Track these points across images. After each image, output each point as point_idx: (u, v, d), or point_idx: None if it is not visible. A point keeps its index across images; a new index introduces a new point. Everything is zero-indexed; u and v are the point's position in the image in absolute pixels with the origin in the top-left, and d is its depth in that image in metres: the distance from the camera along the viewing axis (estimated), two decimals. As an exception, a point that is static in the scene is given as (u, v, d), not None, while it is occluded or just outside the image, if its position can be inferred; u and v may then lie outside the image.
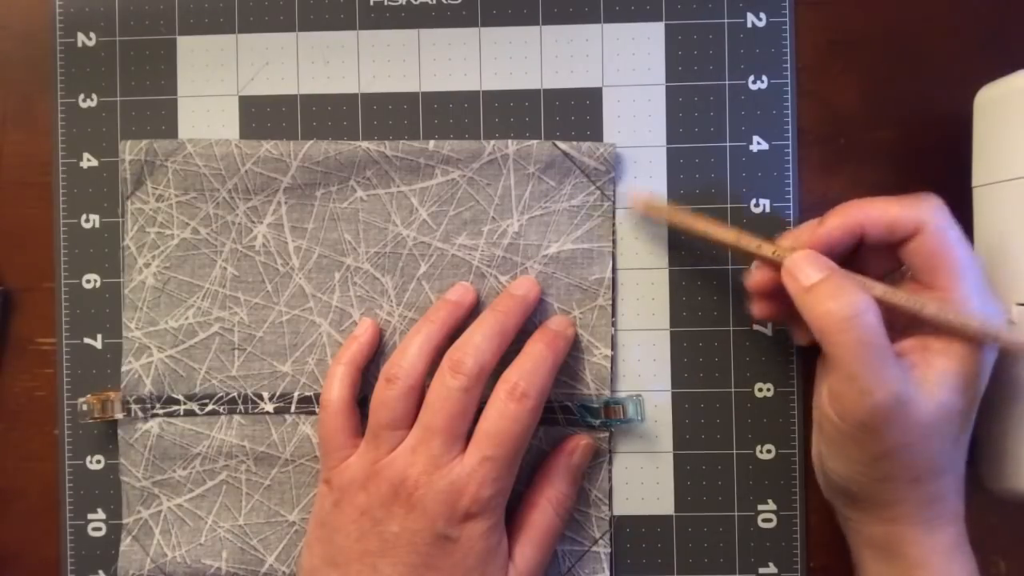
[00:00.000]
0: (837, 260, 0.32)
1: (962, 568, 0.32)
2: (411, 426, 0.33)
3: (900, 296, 0.31)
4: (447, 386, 0.33)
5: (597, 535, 0.38)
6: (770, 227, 0.38)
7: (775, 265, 0.33)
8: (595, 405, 0.37)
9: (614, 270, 0.38)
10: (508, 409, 0.33)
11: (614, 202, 0.38)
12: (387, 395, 0.33)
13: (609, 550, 0.38)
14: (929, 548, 0.31)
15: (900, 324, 0.32)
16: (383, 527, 0.32)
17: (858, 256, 0.33)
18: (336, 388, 0.35)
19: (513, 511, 0.35)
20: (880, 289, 0.31)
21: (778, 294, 0.33)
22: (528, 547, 0.34)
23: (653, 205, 0.37)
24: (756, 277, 0.34)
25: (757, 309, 0.36)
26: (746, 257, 0.36)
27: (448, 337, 0.35)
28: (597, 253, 0.37)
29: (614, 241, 0.38)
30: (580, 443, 0.37)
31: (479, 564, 0.32)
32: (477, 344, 0.33)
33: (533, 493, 0.36)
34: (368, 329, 0.37)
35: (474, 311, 0.37)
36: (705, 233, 0.35)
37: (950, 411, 0.30)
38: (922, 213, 0.31)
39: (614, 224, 0.38)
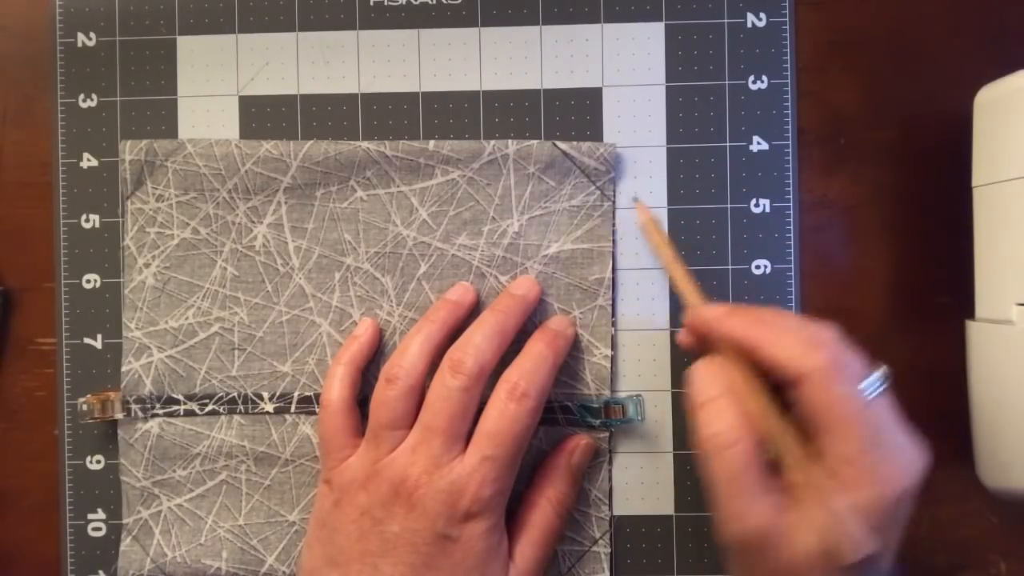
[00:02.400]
0: None
1: None
2: (411, 426, 0.33)
3: (783, 440, 0.30)
4: (447, 386, 0.33)
5: (597, 535, 0.38)
6: (770, 227, 0.38)
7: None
8: (595, 405, 0.37)
9: (614, 270, 0.38)
10: (508, 409, 0.33)
11: (614, 202, 0.38)
12: (387, 395, 0.33)
13: (609, 550, 0.38)
14: None
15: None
16: (383, 527, 0.32)
17: None
18: (336, 388, 0.35)
19: (513, 511, 0.35)
20: (770, 423, 0.30)
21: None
22: (528, 547, 0.34)
23: (651, 226, 0.37)
24: (683, 339, 0.36)
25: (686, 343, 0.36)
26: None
27: (448, 337, 0.35)
28: (597, 253, 0.37)
29: (614, 241, 0.38)
30: (580, 443, 0.37)
31: (479, 564, 0.32)
32: (477, 344, 0.33)
33: (533, 493, 0.36)
34: (368, 329, 0.37)
35: (474, 311, 0.37)
36: (667, 269, 0.36)
37: (835, 560, 0.28)
38: (808, 363, 0.28)
39: (614, 224, 0.38)
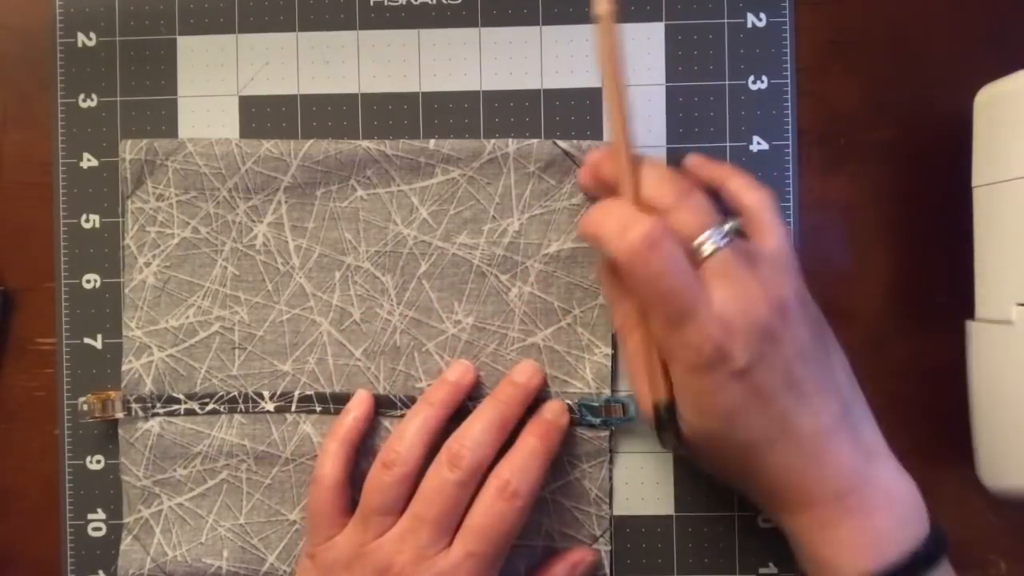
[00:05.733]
0: None
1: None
2: (402, 511, 0.33)
3: None
4: (443, 478, 0.32)
5: (597, 534, 0.38)
6: (770, 227, 0.38)
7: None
8: (596, 403, 0.37)
9: (614, 270, 0.38)
10: (496, 507, 0.32)
11: (614, 202, 0.38)
12: (382, 480, 0.33)
13: (609, 548, 0.38)
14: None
15: None
16: None
17: None
18: (329, 465, 0.35)
19: None
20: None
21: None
22: None
23: (608, 27, 0.32)
24: (585, 179, 0.36)
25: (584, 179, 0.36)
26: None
27: (446, 419, 0.35)
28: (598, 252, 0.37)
29: (614, 241, 0.38)
30: (586, 558, 0.37)
31: None
32: (476, 437, 0.33)
33: None
34: (363, 403, 0.37)
35: (474, 311, 0.37)
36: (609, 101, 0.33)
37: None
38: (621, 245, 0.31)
39: (614, 224, 0.37)
